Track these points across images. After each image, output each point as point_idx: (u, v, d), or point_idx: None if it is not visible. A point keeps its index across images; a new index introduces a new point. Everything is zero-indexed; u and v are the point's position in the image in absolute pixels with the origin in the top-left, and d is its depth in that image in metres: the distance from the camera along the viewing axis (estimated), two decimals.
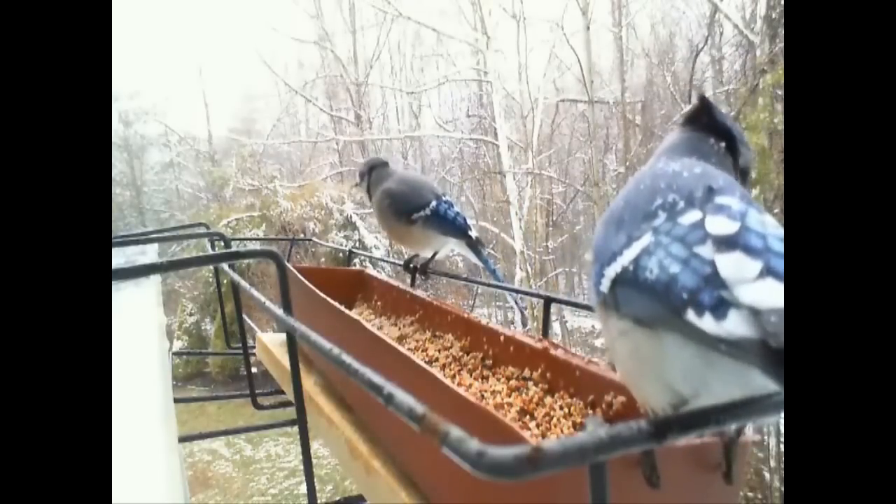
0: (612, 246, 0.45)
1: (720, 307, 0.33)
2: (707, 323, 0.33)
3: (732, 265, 0.35)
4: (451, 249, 1.40)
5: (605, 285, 0.45)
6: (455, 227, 1.32)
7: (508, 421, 0.53)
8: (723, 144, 0.54)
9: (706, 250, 0.37)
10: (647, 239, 0.42)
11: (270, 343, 1.30)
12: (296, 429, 0.71)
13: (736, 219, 0.38)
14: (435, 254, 1.37)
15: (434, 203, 1.30)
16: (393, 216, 1.32)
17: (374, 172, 1.40)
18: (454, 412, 0.57)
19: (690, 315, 0.34)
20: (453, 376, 0.93)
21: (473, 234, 1.35)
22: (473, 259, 1.38)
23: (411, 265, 1.40)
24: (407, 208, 1.30)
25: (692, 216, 0.41)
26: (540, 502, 0.48)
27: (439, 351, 1.01)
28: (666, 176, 0.47)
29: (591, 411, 0.74)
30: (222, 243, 1.38)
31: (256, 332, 1.46)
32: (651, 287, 0.38)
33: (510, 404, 0.79)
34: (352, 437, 0.84)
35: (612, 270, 0.44)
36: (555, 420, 0.75)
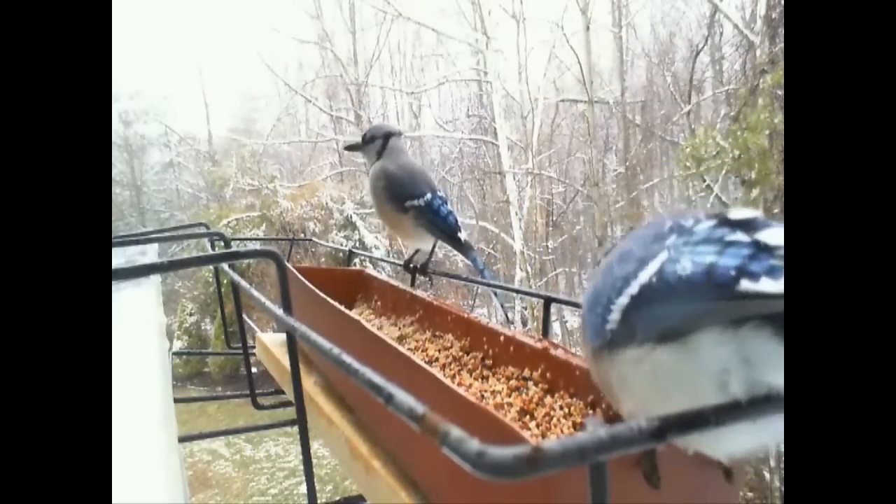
0: (620, 275, 0.44)
1: (775, 271, 0.34)
2: (766, 284, 0.34)
3: (777, 235, 0.37)
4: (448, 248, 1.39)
5: (613, 320, 0.44)
6: (446, 226, 1.30)
7: (508, 421, 0.53)
8: None
9: (739, 236, 0.39)
10: (663, 255, 0.42)
11: (270, 343, 1.30)
12: (296, 429, 0.71)
13: (756, 210, 0.41)
14: (433, 251, 1.36)
15: (429, 195, 1.29)
16: (386, 200, 1.30)
17: (389, 141, 1.35)
18: (454, 412, 0.57)
19: (745, 284, 0.34)
20: (453, 376, 0.93)
21: (463, 236, 1.32)
22: (462, 258, 1.37)
23: (411, 265, 1.40)
24: (401, 194, 1.28)
25: (706, 224, 0.42)
26: (540, 502, 0.48)
27: (439, 351, 1.01)
28: (664, 217, 0.48)
29: (591, 411, 0.74)
30: (222, 243, 1.37)
31: (256, 332, 1.45)
32: (687, 281, 0.38)
33: (510, 404, 0.79)
34: (352, 437, 0.84)
35: (625, 298, 0.43)
36: (555, 420, 0.75)
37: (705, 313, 0.38)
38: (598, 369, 0.48)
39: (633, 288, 0.42)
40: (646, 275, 0.42)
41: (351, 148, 1.44)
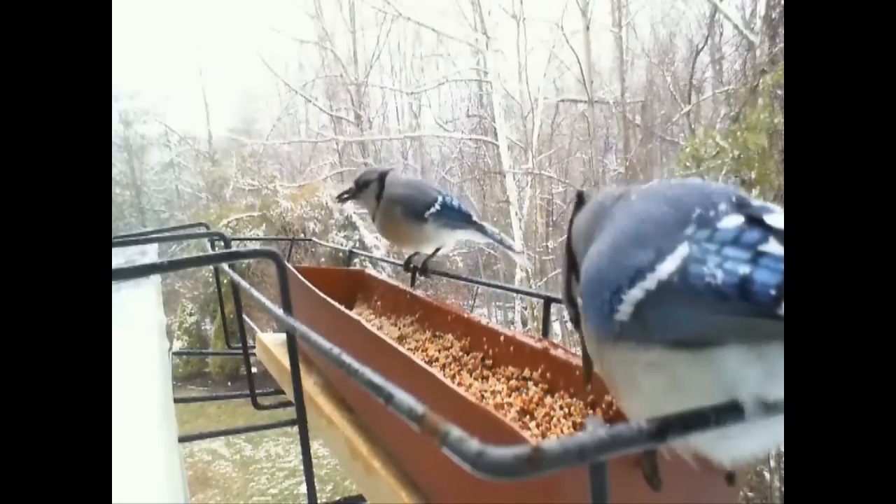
0: (633, 263, 0.40)
1: None
2: None
3: None
4: (453, 245, 1.42)
5: (624, 312, 0.41)
6: (463, 217, 1.35)
7: (508, 421, 0.53)
8: None
9: (773, 247, 0.35)
10: (684, 248, 0.38)
11: (270, 343, 1.30)
12: (296, 429, 0.71)
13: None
14: (436, 251, 1.37)
15: (440, 198, 1.33)
16: (405, 220, 1.33)
17: (386, 180, 1.38)
18: (454, 412, 0.57)
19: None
20: (453, 376, 0.93)
21: (477, 219, 1.37)
22: (481, 240, 1.40)
23: (411, 265, 1.40)
24: (420, 208, 1.32)
25: (732, 220, 0.39)
26: (540, 503, 0.48)
27: (439, 351, 1.01)
28: (686, 188, 0.44)
29: (591, 411, 0.74)
30: (222, 243, 1.37)
31: (256, 332, 1.45)
32: (716, 291, 0.35)
33: (510, 404, 0.79)
34: (352, 437, 0.84)
35: (638, 290, 0.39)
36: (555, 420, 0.75)
37: (734, 329, 0.35)
38: (603, 358, 0.45)
39: (650, 282, 0.39)
40: (665, 270, 0.38)
41: (344, 197, 1.44)
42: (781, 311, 0.32)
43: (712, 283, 0.35)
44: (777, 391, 0.34)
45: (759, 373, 0.35)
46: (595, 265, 0.45)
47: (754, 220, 0.38)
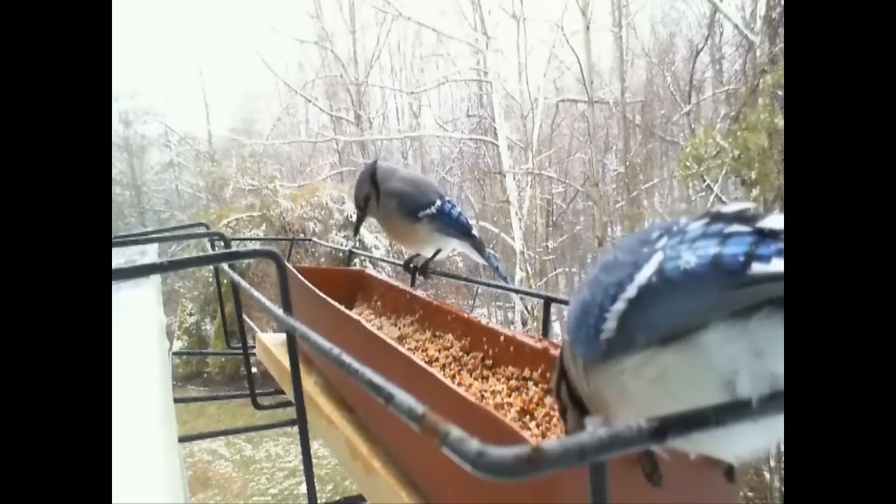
0: (613, 282, 0.42)
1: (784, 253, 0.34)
2: (778, 265, 0.33)
3: (780, 220, 0.37)
4: (451, 249, 1.40)
5: (609, 329, 0.42)
6: (459, 227, 1.33)
7: (508, 421, 0.53)
8: None
9: (737, 227, 0.38)
10: (659, 256, 0.40)
11: (270, 343, 1.30)
12: (296, 429, 0.71)
13: (747, 202, 0.41)
14: (436, 253, 1.37)
15: (439, 202, 1.31)
16: (399, 215, 1.32)
17: (377, 177, 1.35)
18: (454, 412, 0.57)
19: (757, 267, 0.34)
20: (453, 376, 0.93)
21: (475, 233, 1.35)
22: (476, 258, 1.38)
23: (411, 265, 1.40)
24: (414, 207, 1.31)
25: (698, 223, 0.41)
26: (540, 502, 0.48)
27: (439, 351, 1.01)
28: (650, 226, 0.47)
29: None
30: (222, 243, 1.37)
31: (256, 332, 1.45)
32: (693, 274, 0.37)
33: (510, 404, 0.79)
34: (352, 437, 0.84)
35: (621, 303, 0.41)
36: (555, 420, 0.75)
37: (715, 306, 0.36)
38: (591, 383, 0.46)
39: (630, 291, 0.40)
40: (643, 276, 0.40)
41: (360, 222, 1.43)
42: (752, 271, 0.34)
43: (688, 268, 0.38)
44: (767, 365, 0.35)
45: (744, 348, 0.35)
46: (577, 301, 0.47)
47: (716, 217, 0.41)
